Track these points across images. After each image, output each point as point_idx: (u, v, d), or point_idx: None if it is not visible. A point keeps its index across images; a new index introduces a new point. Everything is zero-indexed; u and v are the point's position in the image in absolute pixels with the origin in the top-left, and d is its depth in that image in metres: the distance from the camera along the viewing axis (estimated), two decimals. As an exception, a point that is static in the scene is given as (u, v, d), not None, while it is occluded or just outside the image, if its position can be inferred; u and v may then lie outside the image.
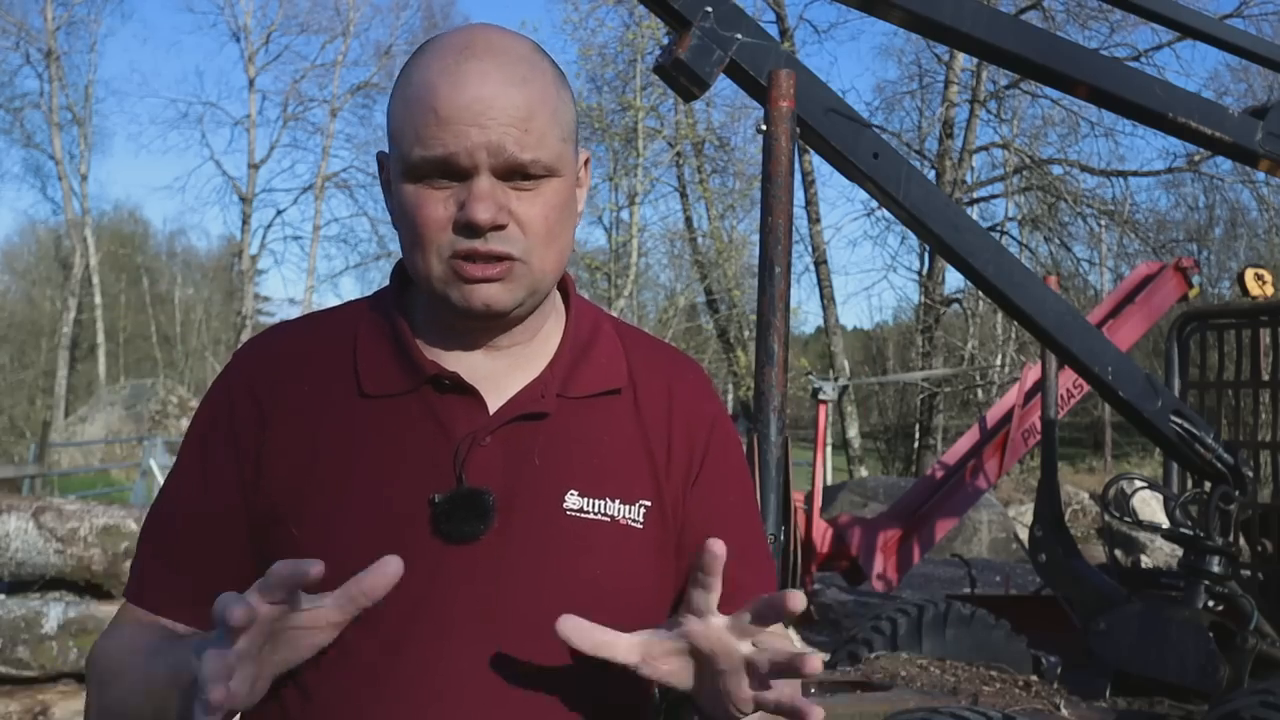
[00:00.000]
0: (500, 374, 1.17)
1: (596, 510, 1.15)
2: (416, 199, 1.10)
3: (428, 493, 1.11)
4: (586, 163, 1.22)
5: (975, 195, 24.36)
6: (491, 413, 1.15)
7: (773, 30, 21.99)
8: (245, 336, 29.24)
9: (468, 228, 1.08)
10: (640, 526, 1.17)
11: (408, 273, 1.20)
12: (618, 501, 1.16)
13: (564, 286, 1.26)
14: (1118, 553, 9.26)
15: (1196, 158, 21.52)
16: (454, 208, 1.09)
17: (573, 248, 1.21)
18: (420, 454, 1.13)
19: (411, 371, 1.15)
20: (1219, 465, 5.04)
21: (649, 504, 1.18)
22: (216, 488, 1.16)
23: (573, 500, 1.14)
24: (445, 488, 1.11)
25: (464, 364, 1.16)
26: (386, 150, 1.16)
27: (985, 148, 24.14)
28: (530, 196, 1.10)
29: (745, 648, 1.03)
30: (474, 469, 1.12)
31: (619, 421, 1.20)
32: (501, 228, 1.09)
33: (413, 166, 1.09)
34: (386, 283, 1.26)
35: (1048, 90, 18.41)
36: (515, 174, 1.09)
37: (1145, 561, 10.74)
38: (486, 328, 1.16)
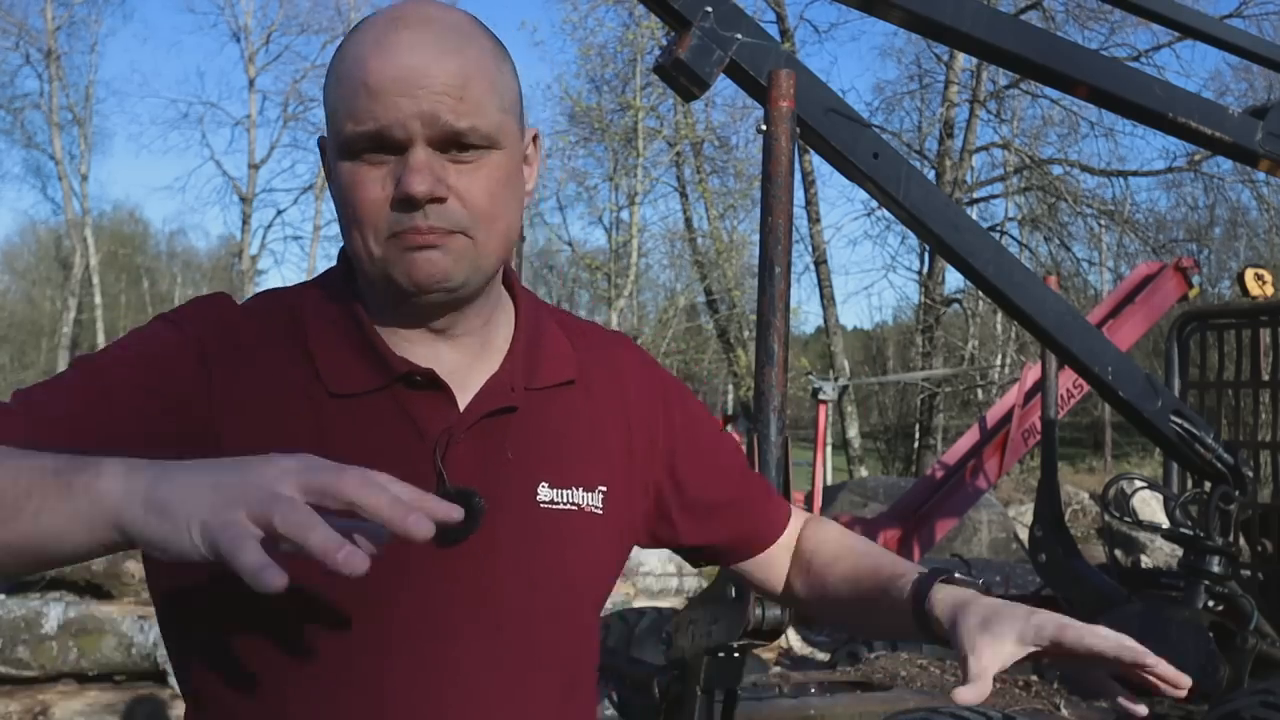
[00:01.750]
0: (463, 367, 1.14)
1: (565, 500, 1.15)
2: (353, 178, 1.05)
3: None
4: (536, 139, 1.17)
5: (975, 195, 24.36)
6: (461, 408, 1.12)
7: (773, 30, 21.98)
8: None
9: (405, 202, 1.03)
10: (600, 512, 1.17)
11: None
12: (580, 489, 1.16)
13: (505, 276, 1.21)
14: (1118, 553, 9.26)
15: (1196, 157, 21.52)
16: (391, 185, 1.04)
17: (520, 227, 1.17)
18: (396, 454, 1.08)
19: (380, 368, 1.11)
20: (1219, 465, 5.03)
21: (605, 489, 1.18)
22: (128, 392, 1.06)
23: (544, 492, 1.14)
24: (424, 488, 1.07)
25: (427, 358, 1.12)
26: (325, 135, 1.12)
27: (985, 148, 24.16)
28: (470, 169, 1.06)
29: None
30: (452, 468, 1.09)
31: (575, 410, 1.19)
32: (441, 200, 1.04)
33: (346, 142, 1.04)
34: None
35: (1048, 90, 18.41)
36: (452, 144, 1.04)
37: (1145, 561, 10.73)
38: (433, 307, 1.10)
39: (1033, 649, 1.09)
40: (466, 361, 1.14)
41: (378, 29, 1.06)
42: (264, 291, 1.20)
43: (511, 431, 1.13)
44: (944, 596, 1.18)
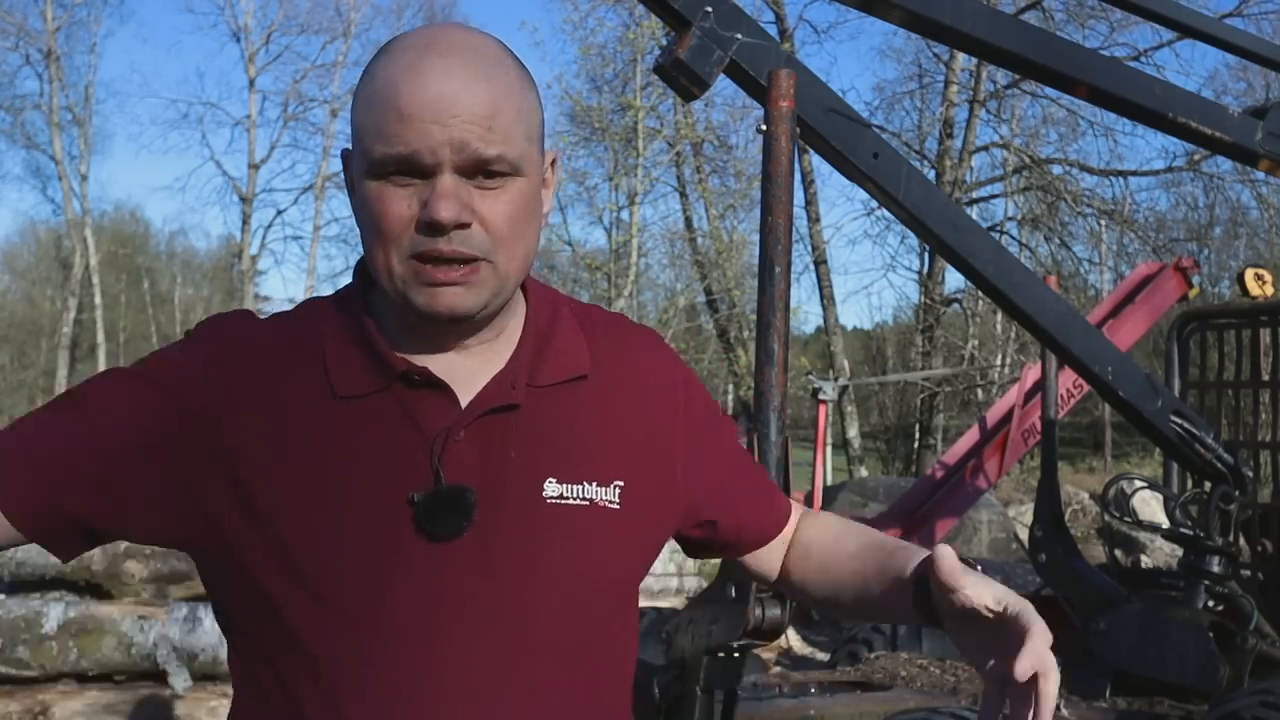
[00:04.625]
0: (471, 369, 1.16)
1: (576, 495, 1.15)
2: (378, 196, 1.08)
3: (406, 492, 1.10)
4: (554, 163, 1.20)
5: (975, 195, 24.35)
6: (463, 407, 1.14)
7: (773, 30, 21.99)
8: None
9: (430, 226, 1.06)
10: (616, 507, 1.17)
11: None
12: (594, 484, 1.16)
13: None
14: (1118, 553, 9.26)
15: (1196, 157, 21.51)
16: (416, 206, 1.07)
17: (538, 248, 1.19)
18: (396, 453, 1.12)
19: (381, 370, 1.14)
20: (1219, 465, 5.03)
21: (623, 484, 1.18)
22: (116, 427, 1.12)
23: (552, 488, 1.15)
24: (423, 486, 1.11)
25: (433, 360, 1.15)
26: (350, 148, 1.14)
27: (985, 148, 24.13)
28: (494, 195, 1.08)
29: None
30: (450, 465, 1.11)
31: (589, 405, 1.20)
32: (465, 226, 1.07)
33: (374, 163, 1.07)
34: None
35: (1047, 90, 18.41)
36: (479, 171, 1.07)
37: (1145, 561, 10.73)
38: (451, 330, 1.14)
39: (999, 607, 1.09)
40: (476, 364, 1.17)
41: (410, 53, 1.08)
42: (306, 300, 1.25)
43: (514, 429, 1.15)
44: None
